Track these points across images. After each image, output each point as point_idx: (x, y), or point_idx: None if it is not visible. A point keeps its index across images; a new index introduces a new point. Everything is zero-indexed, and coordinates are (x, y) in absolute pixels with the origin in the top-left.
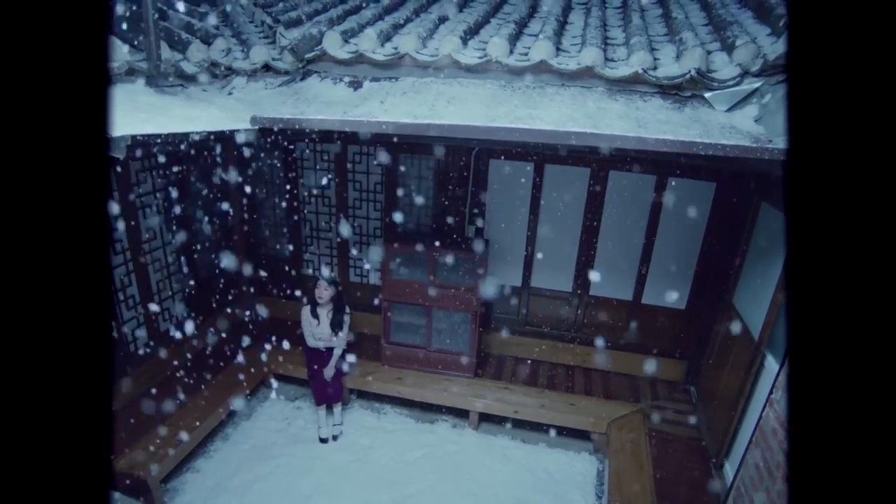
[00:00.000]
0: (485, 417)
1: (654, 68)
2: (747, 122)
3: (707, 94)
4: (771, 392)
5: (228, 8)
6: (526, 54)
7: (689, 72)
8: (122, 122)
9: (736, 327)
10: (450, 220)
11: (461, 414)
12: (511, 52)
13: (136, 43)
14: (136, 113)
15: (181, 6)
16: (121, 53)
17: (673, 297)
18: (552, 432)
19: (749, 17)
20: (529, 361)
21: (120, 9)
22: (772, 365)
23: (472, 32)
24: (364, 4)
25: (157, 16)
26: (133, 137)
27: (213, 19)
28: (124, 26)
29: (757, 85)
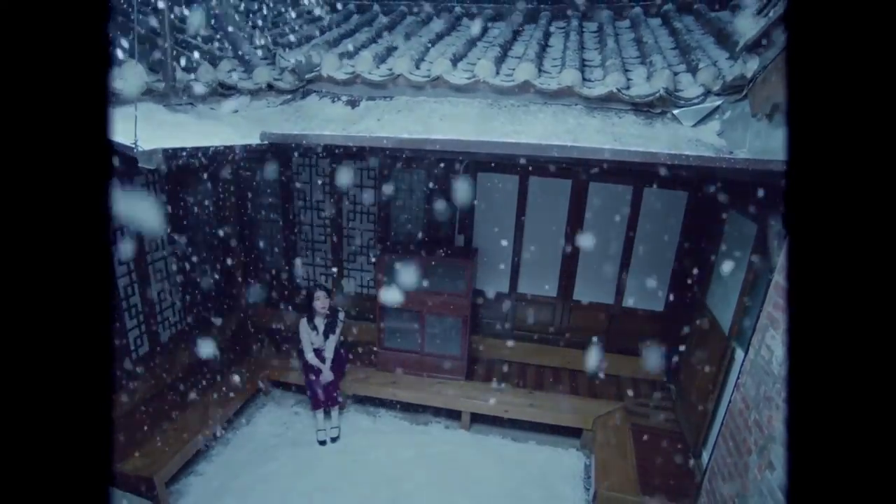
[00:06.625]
0: (476, 418)
1: (628, 88)
2: (711, 136)
3: (675, 111)
4: (738, 377)
5: (230, 31)
6: (511, 75)
7: (659, 91)
8: (149, 137)
9: (709, 325)
10: (440, 230)
11: (454, 415)
12: (497, 73)
13: (151, 65)
14: (158, 129)
15: (190, 30)
16: (140, 75)
17: (651, 300)
18: (541, 430)
19: (711, 42)
20: (518, 363)
21: (138, 34)
22: (740, 356)
23: (461, 55)
24: (358, 28)
25: (174, 43)
26: (164, 150)
27: (217, 42)
28: (140, 50)
29: (718, 103)
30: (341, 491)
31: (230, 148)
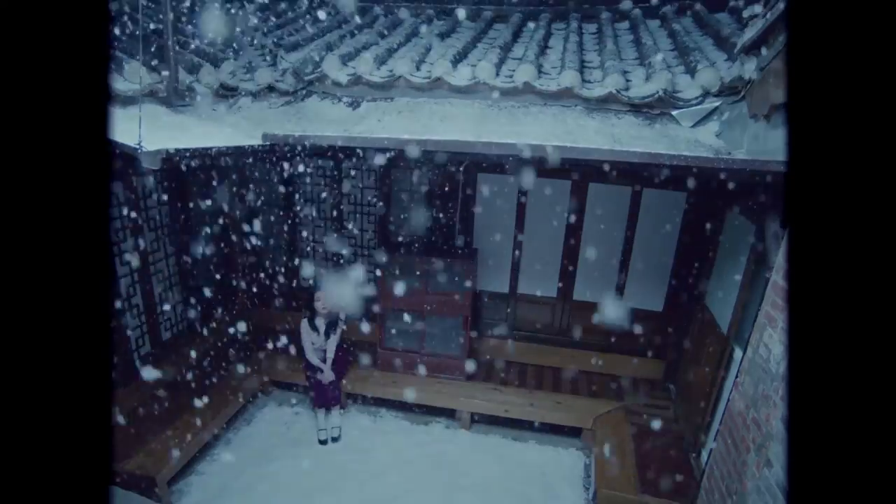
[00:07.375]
0: (477, 418)
1: (627, 89)
2: (709, 137)
3: (674, 112)
4: (737, 376)
5: (232, 32)
6: (511, 77)
7: (658, 92)
8: (151, 139)
9: (708, 325)
10: (441, 230)
11: (454, 415)
12: (497, 74)
13: (154, 66)
14: (161, 130)
15: (192, 31)
16: (144, 77)
17: (650, 300)
18: (541, 430)
19: (709, 43)
20: (518, 364)
21: (141, 36)
22: (739, 355)
23: (461, 56)
24: (359, 30)
25: (176, 44)
26: (167, 151)
27: (219, 44)
28: (143, 51)
29: (717, 104)
30: (342, 490)
31: (232, 148)
